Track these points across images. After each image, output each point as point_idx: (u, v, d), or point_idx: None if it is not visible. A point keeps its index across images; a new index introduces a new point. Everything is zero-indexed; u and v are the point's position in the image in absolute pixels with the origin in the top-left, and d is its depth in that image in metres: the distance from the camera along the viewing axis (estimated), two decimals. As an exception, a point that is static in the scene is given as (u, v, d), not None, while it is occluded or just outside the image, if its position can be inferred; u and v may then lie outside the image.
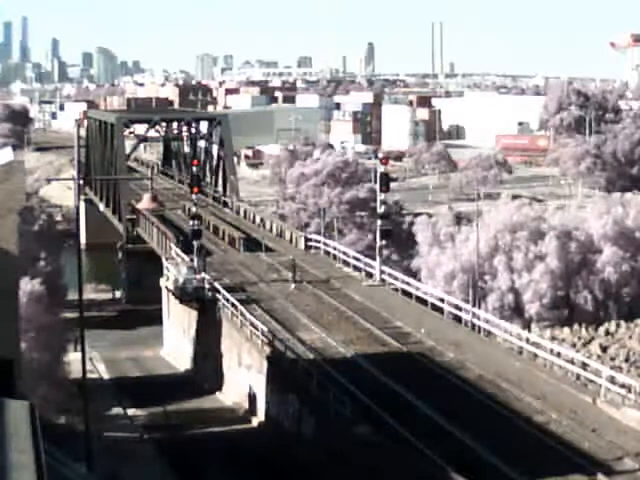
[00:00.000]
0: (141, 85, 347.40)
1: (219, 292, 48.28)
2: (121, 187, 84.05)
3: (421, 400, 33.70)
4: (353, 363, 38.76)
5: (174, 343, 57.02)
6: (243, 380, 43.12)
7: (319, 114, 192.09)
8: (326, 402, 33.42)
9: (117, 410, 45.84)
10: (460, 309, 44.93)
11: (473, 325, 43.32)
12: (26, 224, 54.58)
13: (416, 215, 76.37)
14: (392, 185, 64.43)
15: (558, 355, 37.70)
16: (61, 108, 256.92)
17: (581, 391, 34.45)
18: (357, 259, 55.87)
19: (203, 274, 52.06)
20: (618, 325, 53.36)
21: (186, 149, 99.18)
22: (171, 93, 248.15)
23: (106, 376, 54.79)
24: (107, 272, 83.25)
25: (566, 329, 53.03)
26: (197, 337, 51.75)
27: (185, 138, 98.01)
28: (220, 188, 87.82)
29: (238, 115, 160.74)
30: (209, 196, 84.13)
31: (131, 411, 45.64)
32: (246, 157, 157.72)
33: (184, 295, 52.50)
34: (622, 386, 33.61)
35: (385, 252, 59.05)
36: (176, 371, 54.32)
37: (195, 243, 53.31)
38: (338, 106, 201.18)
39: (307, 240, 63.30)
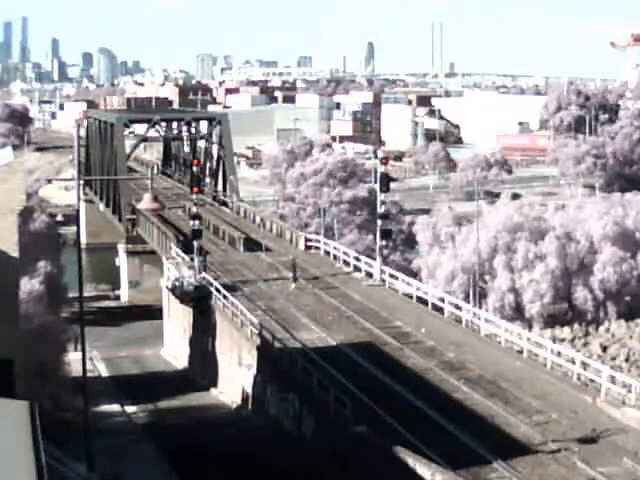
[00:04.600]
0: (141, 85, 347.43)
1: (219, 292, 48.30)
2: (121, 187, 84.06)
3: (421, 400, 33.76)
4: (353, 362, 38.80)
5: (174, 342, 57.04)
6: (244, 379, 43.12)
7: (319, 114, 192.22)
8: (326, 402, 33.46)
9: (115, 407, 45.92)
10: (460, 309, 44.95)
11: (473, 325, 43.32)
12: (26, 224, 54.55)
13: (412, 213, 76.45)
14: (392, 185, 64.40)
15: (558, 355, 37.70)
16: (61, 108, 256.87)
17: (581, 391, 34.45)
18: (357, 259, 55.89)
19: (203, 274, 52.09)
20: (618, 325, 53.43)
21: (186, 149, 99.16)
22: (171, 93, 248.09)
23: (105, 375, 54.83)
24: (107, 272, 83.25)
25: (566, 329, 53.13)
26: (197, 336, 51.76)
27: (185, 138, 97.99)
28: (220, 188, 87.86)
29: (238, 115, 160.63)
30: (209, 196, 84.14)
31: (130, 408, 45.68)
32: (245, 157, 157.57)
33: (184, 295, 52.52)
34: (622, 386, 33.63)
35: (385, 252, 59.03)
36: (176, 370, 54.34)
37: (195, 243, 53.34)
38: (338, 106, 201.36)
39: (307, 240, 63.32)
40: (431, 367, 37.54)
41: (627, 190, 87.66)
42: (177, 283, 52.89)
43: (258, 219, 73.29)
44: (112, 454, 33.50)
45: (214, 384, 47.57)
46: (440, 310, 45.81)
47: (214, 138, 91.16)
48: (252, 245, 63.37)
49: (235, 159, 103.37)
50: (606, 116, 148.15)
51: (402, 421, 31.52)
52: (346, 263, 56.68)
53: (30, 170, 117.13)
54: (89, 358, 45.56)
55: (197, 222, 54.31)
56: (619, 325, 53.42)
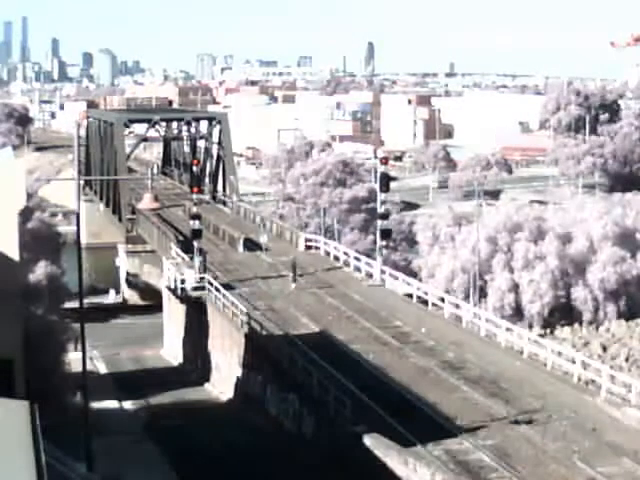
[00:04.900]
0: (141, 85, 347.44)
1: (219, 291, 48.30)
2: (121, 187, 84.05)
3: (421, 400, 33.78)
4: (353, 362, 38.80)
5: (175, 342, 56.98)
6: (245, 379, 43.13)
7: (319, 114, 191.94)
8: (326, 402, 33.46)
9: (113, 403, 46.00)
10: (460, 309, 44.95)
11: (474, 325, 43.31)
12: (26, 224, 54.52)
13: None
14: (392, 185, 64.39)
15: (559, 355, 37.69)
16: (61, 108, 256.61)
17: (581, 390, 34.45)
18: (357, 259, 55.92)
19: (203, 274, 52.06)
20: (618, 325, 53.40)
21: (186, 149, 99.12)
22: (171, 93, 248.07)
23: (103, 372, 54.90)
24: (107, 272, 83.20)
25: (566, 329, 53.09)
26: (198, 336, 51.73)
27: (185, 138, 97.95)
28: (220, 187, 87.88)
29: (238, 114, 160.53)
30: (209, 196, 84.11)
31: (130, 407, 45.71)
32: (246, 157, 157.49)
33: (184, 295, 52.50)
34: (623, 385, 33.62)
35: (385, 252, 59.02)
36: (176, 370, 54.29)
37: (195, 243, 53.31)
38: (338, 106, 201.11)
39: (307, 240, 63.30)
40: (431, 367, 37.57)
41: (627, 190, 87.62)
42: (177, 283, 52.87)
43: (258, 219, 73.26)
44: (112, 453, 33.50)
45: (215, 384, 47.55)
46: (440, 310, 45.85)
47: (214, 138, 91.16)
48: (252, 245, 63.39)
49: (235, 159, 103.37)
50: (606, 116, 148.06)
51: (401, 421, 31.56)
52: (346, 263, 56.70)
53: (30, 170, 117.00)
54: (89, 358, 45.50)
55: (197, 222, 54.30)
56: (619, 325, 53.40)
